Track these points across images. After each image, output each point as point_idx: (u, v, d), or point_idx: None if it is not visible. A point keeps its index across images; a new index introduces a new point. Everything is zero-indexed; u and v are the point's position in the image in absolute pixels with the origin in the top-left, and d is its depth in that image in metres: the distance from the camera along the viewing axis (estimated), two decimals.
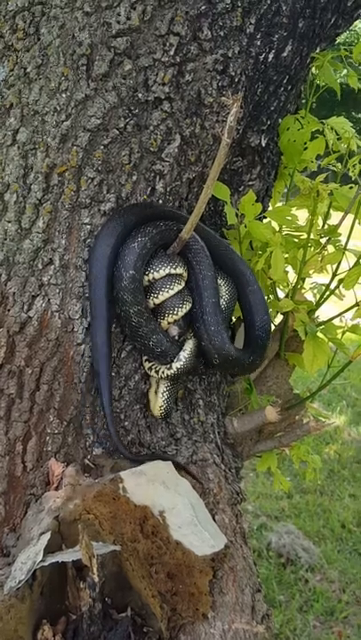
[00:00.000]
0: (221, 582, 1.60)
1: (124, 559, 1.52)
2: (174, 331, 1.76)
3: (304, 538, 4.48)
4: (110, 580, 1.52)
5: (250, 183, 1.91)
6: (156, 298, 1.71)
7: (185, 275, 1.75)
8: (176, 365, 1.74)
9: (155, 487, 1.61)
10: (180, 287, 1.73)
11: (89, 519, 1.54)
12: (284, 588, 4.09)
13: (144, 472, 1.64)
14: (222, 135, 1.47)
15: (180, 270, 1.72)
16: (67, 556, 1.46)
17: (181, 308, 1.73)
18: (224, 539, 1.62)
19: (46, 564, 1.44)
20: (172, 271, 1.70)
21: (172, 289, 1.71)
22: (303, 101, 1.99)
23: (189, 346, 1.77)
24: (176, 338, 1.76)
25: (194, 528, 1.58)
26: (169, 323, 1.74)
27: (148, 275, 1.70)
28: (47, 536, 1.49)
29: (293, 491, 5.09)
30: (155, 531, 1.55)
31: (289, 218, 1.85)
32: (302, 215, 1.88)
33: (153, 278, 1.70)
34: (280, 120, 1.89)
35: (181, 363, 1.75)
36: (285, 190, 2.05)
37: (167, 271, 1.70)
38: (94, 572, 1.41)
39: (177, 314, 1.73)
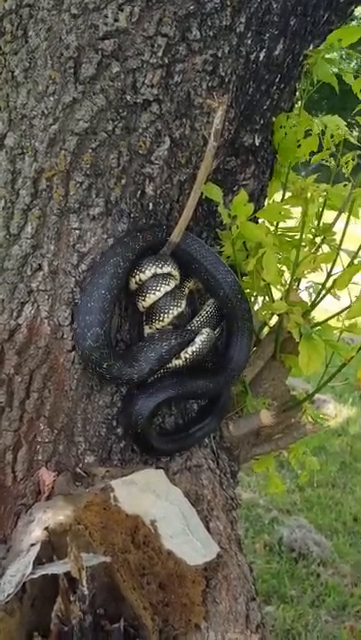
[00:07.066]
0: (215, 592, 1.58)
1: (115, 570, 1.50)
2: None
3: (316, 532, 4.48)
4: (103, 591, 1.50)
5: (244, 182, 1.88)
6: (144, 301, 1.69)
7: (175, 274, 1.71)
8: (191, 349, 1.73)
9: (146, 496, 1.59)
10: (169, 288, 1.69)
11: (79, 530, 1.51)
12: (296, 582, 4.08)
13: (135, 481, 1.62)
14: (209, 138, 1.45)
15: (167, 269, 1.68)
16: (57, 567, 1.44)
17: (169, 312, 1.70)
18: (216, 548, 1.60)
19: (36, 576, 1.42)
20: (159, 271, 1.67)
21: (159, 290, 1.68)
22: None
23: (207, 330, 1.75)
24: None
25: (185, 537, 1.56)
26: (157, 329, 1.71)
27: (134, 276, 1.67)
28: (37, 548, 1.48)
29: (305, 484, 5.07)
30: (146, 541, 1.53)
31: (282, 213, 1.82)
32: (297, 212, 1.85)
33: (140, 280, 1.67)
34: (274, 119, 1.86)
35: (196, 346, 1.73)
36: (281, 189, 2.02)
37: (153, 271, 1.67)
38: (84, 585, 1.39)
39: (163, 320, 1.70)
